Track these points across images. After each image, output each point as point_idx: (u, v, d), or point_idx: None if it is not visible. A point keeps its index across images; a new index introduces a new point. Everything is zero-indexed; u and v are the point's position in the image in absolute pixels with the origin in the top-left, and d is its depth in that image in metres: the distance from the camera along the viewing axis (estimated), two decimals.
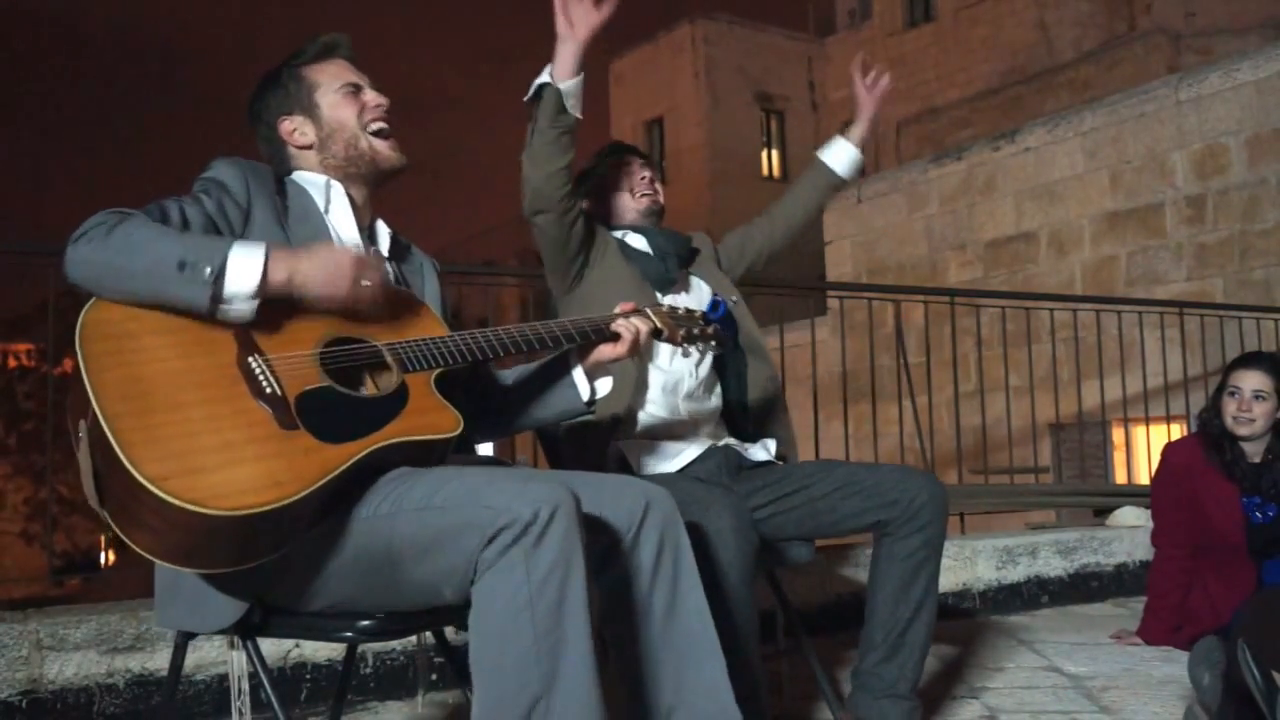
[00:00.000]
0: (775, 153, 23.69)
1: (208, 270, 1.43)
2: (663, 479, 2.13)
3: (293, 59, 1.79)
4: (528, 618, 1.36)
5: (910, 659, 2.18)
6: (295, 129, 1.77)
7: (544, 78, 2.06)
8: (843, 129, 2.69)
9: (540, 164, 2.13)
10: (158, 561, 1.41)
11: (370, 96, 1.79)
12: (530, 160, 2.13)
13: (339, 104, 1.76)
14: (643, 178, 2.46)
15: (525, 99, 2.11)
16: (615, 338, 1.82)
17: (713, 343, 1.95)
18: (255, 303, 1.47)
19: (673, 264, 2.38)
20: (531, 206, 2.19)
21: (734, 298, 2.48)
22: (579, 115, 2.08)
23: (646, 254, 2.37)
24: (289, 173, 1.78)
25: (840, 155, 2.66)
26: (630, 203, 2.44)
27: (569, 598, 1.38)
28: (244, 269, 1.45)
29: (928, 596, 2.17)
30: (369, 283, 1.55)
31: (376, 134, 1.78)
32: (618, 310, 1.86)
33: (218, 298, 1.44)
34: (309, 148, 1.77)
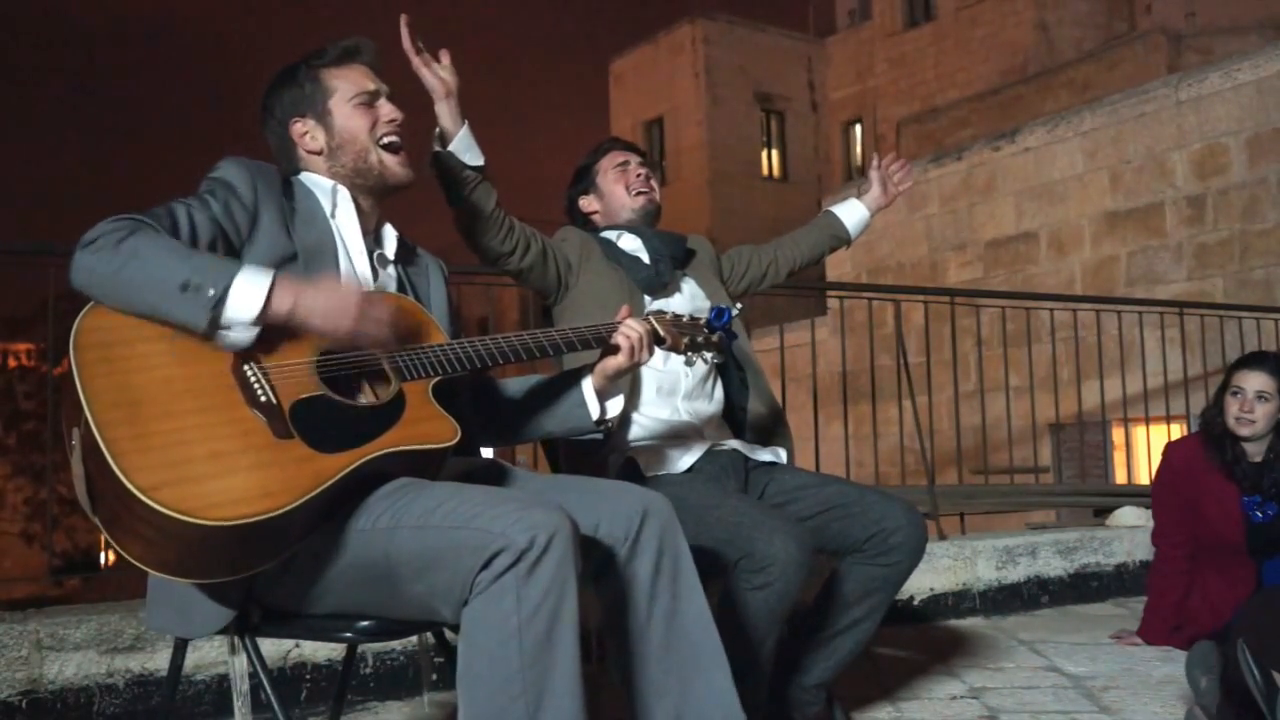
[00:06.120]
0: (775, 153, 23.67)
1: (210, 293, 1.41)
2: (676, 481, 2.12)
3: (313, 58, 1.76)
4: (515, 646, 1.35)
5: (830, 660, 2.22)
6: (306, 132, 1.75)
7: (435, 146, 2.03)
8: (858, 193, 2.76)
9: (472, 218, 2.10)
10: (151, 572, 1.41)
11: (385, 110, 1.75)
12: (460, 221, 2.12)
13: (352, 114, 1.73)
14: (639, 175, 2.42)
15: (427, 164, 2.08)
16: (616, 348, 1.80)
17: (718, 351, 1.95)
18: (255, 331, 1.44)
19: (665, 267, 2.34)
20: (486, 259, 2.19)
21: (738, 306, 2.45)
22: (480, 161, 2.06)
23: (636, 257, 2.33)
24: (296, 173, 1.76)
25: (852, 215, 2.70)
26: (626, 200, 2.40)
27: (558, 628, 1.38)
28: (247, 296, 1.43)
29: (867, 619, 2.20)
30: (377, 318, 1.52)
31: (387, 147, 1.75)
32: (618, 317, 1.83)
33: (216, 322, 1.42)
34: (318, 153, 1.75)
